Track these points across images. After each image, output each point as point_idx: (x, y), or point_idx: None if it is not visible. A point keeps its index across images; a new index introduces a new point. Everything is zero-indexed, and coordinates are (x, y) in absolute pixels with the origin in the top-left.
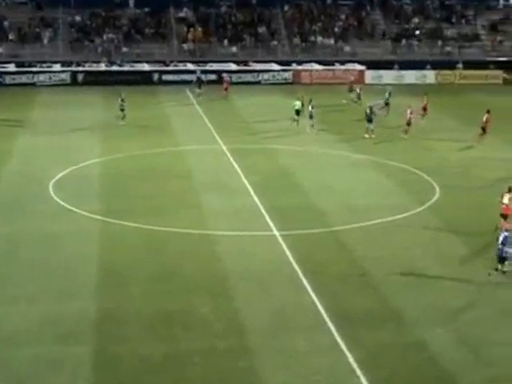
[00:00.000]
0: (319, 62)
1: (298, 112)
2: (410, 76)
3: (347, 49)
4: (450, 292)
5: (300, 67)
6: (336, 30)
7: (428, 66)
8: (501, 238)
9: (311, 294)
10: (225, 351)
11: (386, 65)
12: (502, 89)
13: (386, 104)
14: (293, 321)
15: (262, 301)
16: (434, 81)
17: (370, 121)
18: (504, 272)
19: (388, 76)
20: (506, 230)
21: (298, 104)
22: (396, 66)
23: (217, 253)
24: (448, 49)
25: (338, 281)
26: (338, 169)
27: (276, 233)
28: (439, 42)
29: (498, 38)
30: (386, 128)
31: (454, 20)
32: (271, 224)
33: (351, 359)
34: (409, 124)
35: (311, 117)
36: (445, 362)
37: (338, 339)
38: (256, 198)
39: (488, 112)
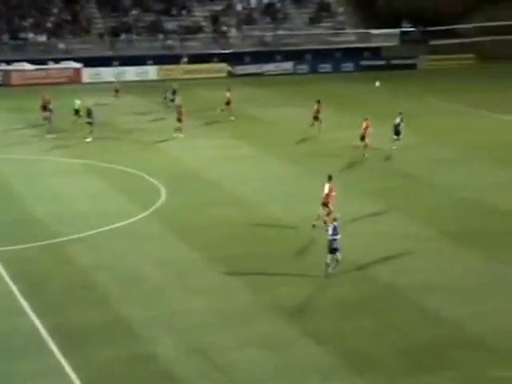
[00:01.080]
0: (31, 61)
1: (77, 111)
2: (131, 72)
3: (61, 46)
4: (181, 299)
5: (10, 67)
6: (49, 25)
7: (149, 62)
8: (330, 230)
9: (30, 314)
10: None
11: (105, 61)
12: (227, 82)
13: (172, 100)
14: (12, 345)
15: None
16: (156, 76)
17: (90, 123)
18: (337, 261)
19: (107, 73)
20: (335, 220)
21: (77, 103)
22: (115, 63)
23: None
24: (170, 42)
25: (62, 296)
26: (57, 176)
27: None
28: (160, 36)
29: (223, 28)
30: (109, 130)
31: (174, 12)
32: None
33: (77, 379)
34: (180, 120)
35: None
36: (177, 371)
37: (62, 360)
38: None
39: (318, 102)
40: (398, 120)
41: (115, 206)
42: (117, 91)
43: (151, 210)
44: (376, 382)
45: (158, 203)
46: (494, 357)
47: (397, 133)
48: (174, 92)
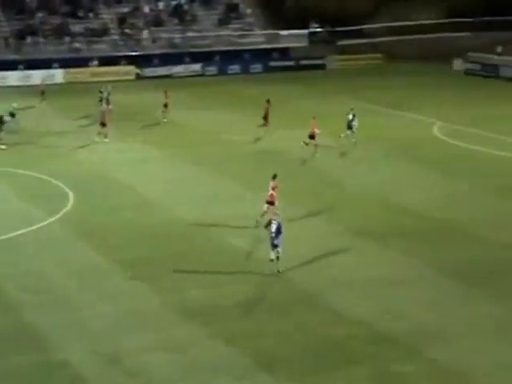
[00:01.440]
0: None
1: (12, 115)
2: (37, 76)
3: None
4: (89, 304)
5: None
6: None
7: (56, 65)
8: (274, 227)
9: None
10: None
11: (10, 65)
12: (135, 84)
13: (100, 101)
14: None
15: None
16: (63, 80)
17: None
18: (272, 260)
19: (13, 77)
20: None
21: (14, 106)
22: (21, 66)
23: None
24: (77, 45)
25: None
26: None
27: None
28: (66, 39)
29: (129, 30)
30: (21, 135)
31: (81, 14)
32: None
33: None
34: (103, 125)
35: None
36: (87, 376)
37: None
38: None
39: (268, 101)
40: (350, 116)
41: (22, 213)
42: (43, 93)
43: (58, 215)
44: (286, 381)
45: (66, 208)
46: (400, 353)
47: (349, 127)
48: (108, 94)
